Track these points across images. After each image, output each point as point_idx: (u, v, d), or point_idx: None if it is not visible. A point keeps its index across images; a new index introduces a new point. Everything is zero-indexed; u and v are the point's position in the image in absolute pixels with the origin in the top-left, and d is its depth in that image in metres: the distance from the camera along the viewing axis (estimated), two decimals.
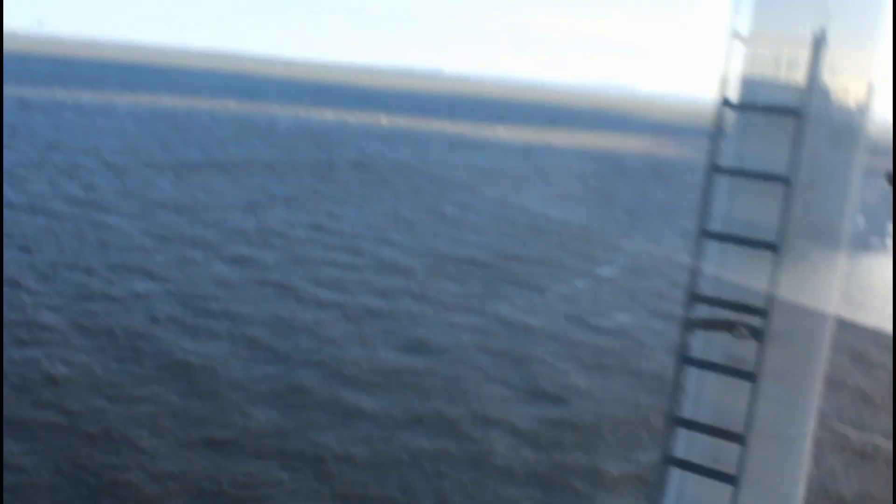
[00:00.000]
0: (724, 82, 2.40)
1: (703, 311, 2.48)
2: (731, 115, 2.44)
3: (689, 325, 2.48)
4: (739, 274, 2.45)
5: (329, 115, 64.20)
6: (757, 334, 2.36)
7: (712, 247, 2.51)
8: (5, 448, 8.73)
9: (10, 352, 11.24)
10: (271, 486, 8.55)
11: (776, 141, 2.36)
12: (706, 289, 2.49)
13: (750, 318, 2.38)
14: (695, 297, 2.46)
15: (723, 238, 2.43)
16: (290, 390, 10.94)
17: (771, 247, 2.32)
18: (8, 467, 8.38)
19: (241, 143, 38.40)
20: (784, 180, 2.30)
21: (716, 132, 2.43)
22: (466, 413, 10.76)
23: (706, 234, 2.45)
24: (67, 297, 13.66)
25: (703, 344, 2.49)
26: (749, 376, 2.35)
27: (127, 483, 8.31)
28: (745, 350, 2.39)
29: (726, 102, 2.42)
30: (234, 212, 22.13)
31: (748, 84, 2.40)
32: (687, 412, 2.45)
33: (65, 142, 32.90)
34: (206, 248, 17.85)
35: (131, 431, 9.36)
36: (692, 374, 2.50)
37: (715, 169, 2.43)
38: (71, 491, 8.10)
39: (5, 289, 13.78)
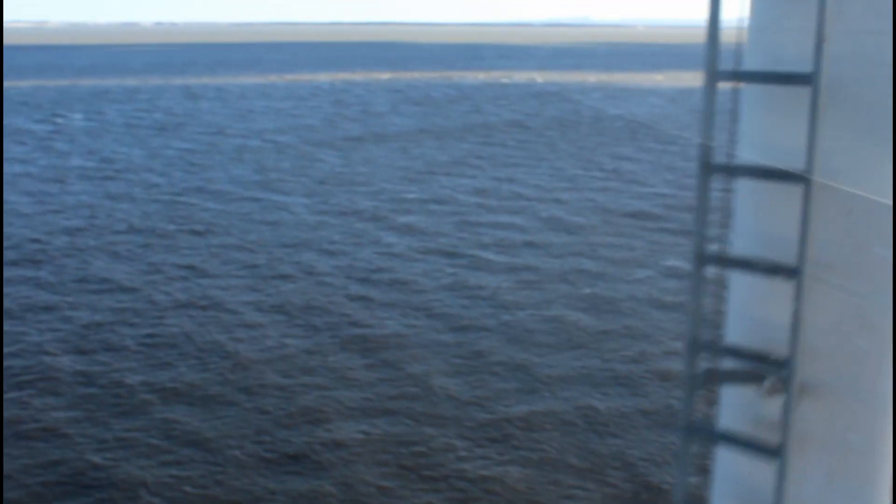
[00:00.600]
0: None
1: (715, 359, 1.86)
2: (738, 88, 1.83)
3: (698, 380, 1.85)
4: (754, 306, 1.89)
5: (481, 77, 63.95)
6: (784, 386, 1.81)
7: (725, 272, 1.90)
8: (193, 417, 8.94)
9: (195, 332, 11.59)
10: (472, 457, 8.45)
11: (788, 120, 1.79)
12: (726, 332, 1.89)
13: (773, 368, 1.82)
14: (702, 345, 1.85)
15: (727, 263, 1.84)
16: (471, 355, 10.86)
17: (790, 272, 1.77)
18: (193, 436, 8.60)
19: (398, 113, 38.68)
20: (801, 176, 1.73)
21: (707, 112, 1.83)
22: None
23: (703, 258, 1.88)
24: (241, 277, 14.00)
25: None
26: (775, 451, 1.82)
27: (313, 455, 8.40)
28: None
29: (720, 75, 1.80)
30: (399, 182, 22.21)
31: (754, 48, 1.82)
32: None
33: (231, 126, 33.96)
34: (374, 220, 17.99)
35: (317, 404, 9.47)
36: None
37: (709, 168, 1.87)
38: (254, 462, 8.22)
39: (184, 272, 14.27)
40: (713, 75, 1.80)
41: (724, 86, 1.82)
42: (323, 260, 14.97)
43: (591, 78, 64.02)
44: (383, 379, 10.13)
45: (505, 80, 60.08)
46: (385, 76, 63.50)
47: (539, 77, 63.93)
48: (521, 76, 64.89)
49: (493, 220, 17.98)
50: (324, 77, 62.68)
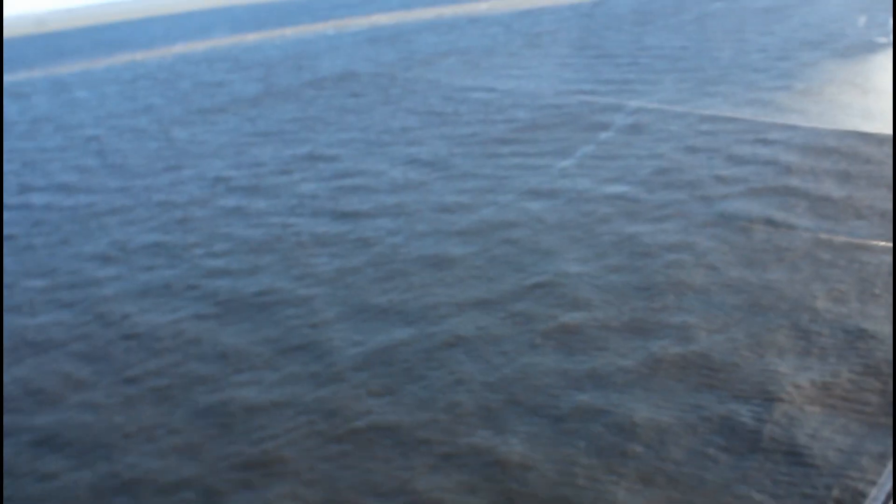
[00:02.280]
0: None
1: None
2: None
3: None
4: None
5: (288, 33, 62.24)
6: None
7: None
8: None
9: None
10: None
11: None
12: None
13: None
14: None
15: None
16: None
17: None
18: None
19: (221, 85, 36.99)
20: None
21: None
22: None
23: None
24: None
25: None
26: None
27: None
28: None
29: None
30: (214, 159, 21.08)
31: None
32: None
33: (62, 119, 31.89)
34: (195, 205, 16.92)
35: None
36: None
37: None
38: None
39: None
40: None
41: None
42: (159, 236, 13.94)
43: (428, 13, 63.42)
44: None
45: (330, 31, 58.58)
46: (205, 45, 61.02)
47: (374, 21, 62.69)
48: (359, 22, 63.57)
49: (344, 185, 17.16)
50: (138, 56, 59.72)
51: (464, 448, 7.87)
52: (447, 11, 64.92)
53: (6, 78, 56.76)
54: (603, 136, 18.88)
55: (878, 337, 9.01)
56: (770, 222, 12.55)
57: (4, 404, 9.70)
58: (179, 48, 60.86)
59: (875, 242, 11.31)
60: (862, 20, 34.43)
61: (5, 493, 7.97)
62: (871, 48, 27.71)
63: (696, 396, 8.28)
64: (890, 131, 16.26)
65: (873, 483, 6.67)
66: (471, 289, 11.33)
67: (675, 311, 10.11)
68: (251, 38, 62.82)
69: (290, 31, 63.20)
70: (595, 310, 10.31)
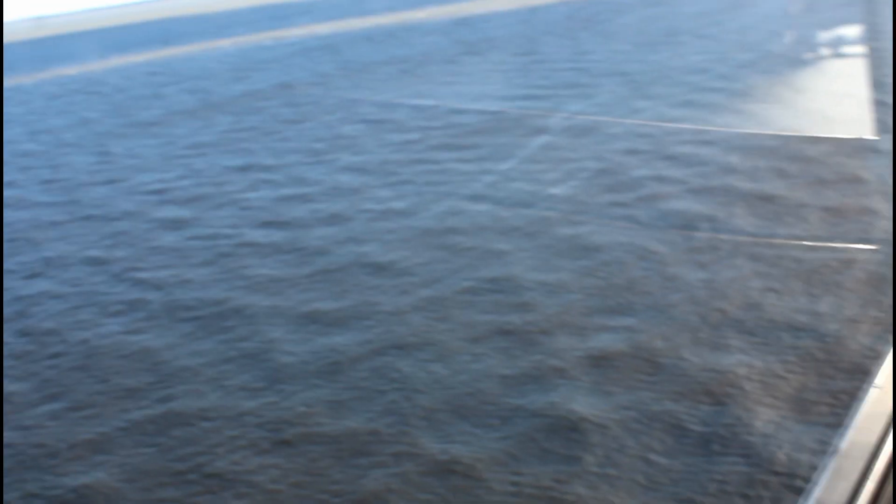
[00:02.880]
0: None
1: None
2: None
3: None
4: None
5: (226, 45, 61.54)
6: None
7: None
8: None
9: None
10: None
11: None
12: None
13: None
14: None
15: None
16: None
17: None
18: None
19: (157, 98, 36.34)
20: None
21: None
22: None
23: None
24: None
25: None
26: None
27: None
28: None
29: None
30: (150, 172, 20.64)
31: None
32: None
33: None
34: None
35: None
36: None
37: None
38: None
39: None
40: None
41: None
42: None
43: (365, 23, 63.26)
44: None
45: (267, 42, 58.07)
46: (142, 58, 60.05)
47: (311, 31, 62.30)
48: (296, 32, 63.12)
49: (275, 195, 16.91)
50: (72, 70, 58.51)
51: (408, 452, 7.73)
52: (385, 20, 64.87)
53: None
54: (543, 139, 18.87)
55: (813, 329, 9.06)
56: (710, 220, 12.60)
57: None
58: (115, 61, 59.90)
59: (812, 243, 11.42)
60: (794, 20, 34.96)
61: None
62: (805, 50, 28.19)
63: (637, 393, 8.23)
64: (823, 133, 16.45)
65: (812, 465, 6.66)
66: (410, 294, 11.18)
67: (618, 310, 10.07)
68: (188, 49, 62.10)
69: (227, 43, 62.58)
70: (535, 311, 10.22)
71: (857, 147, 15.48)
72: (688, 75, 25.10)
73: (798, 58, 26.08)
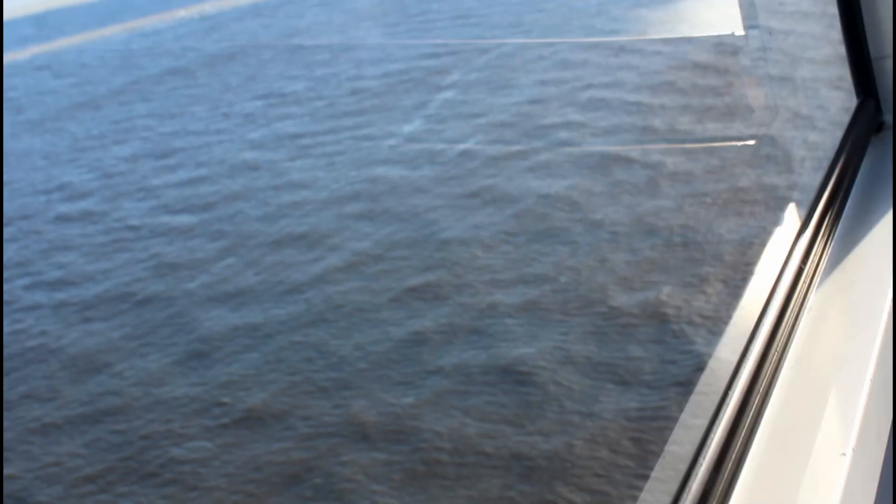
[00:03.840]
0: None
1: None
2: None
3: None
4: None
5: (108, 34, 59.92)
6: None
7: None
8: None
9: None
10: None
11: None
12: None
13: None
14: None
15: None
16: None
17: None
18: None
19: (47, 93, 35.16)
20: None
21: None
22: None
23: None
24: None
25: None
26: None
27: None
28: None
29: None
30: (49, 168, 20.02)
31: None
32: None
33: None
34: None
35: None
36: None
37: None
38: None
39: None
40: None
41: None
42: None
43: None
44: None
45: (148, 29, 56.57)
46: (26, 53, 57.93)
47: (200, 10, 60.84)
48: (177, 15, 61.57)
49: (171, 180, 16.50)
50: None
51: (345, 423, 7.66)
52: None
53: None
54: (447, 94, 18.84)
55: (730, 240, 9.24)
56: (626, 157, 12.73)
57: None
58: None
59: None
60: None
61: None
62: None
63: (573, 333, 8.29)
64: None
65: None
66: (327, 263, 11.06)
67: (543, 256, 10.11)
68: (70, 41, 60.18)
69: (108, 32, 60.84)
70: (458, 264, 10.21)
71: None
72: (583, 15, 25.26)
73: None
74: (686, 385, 6.84)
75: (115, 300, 11.28)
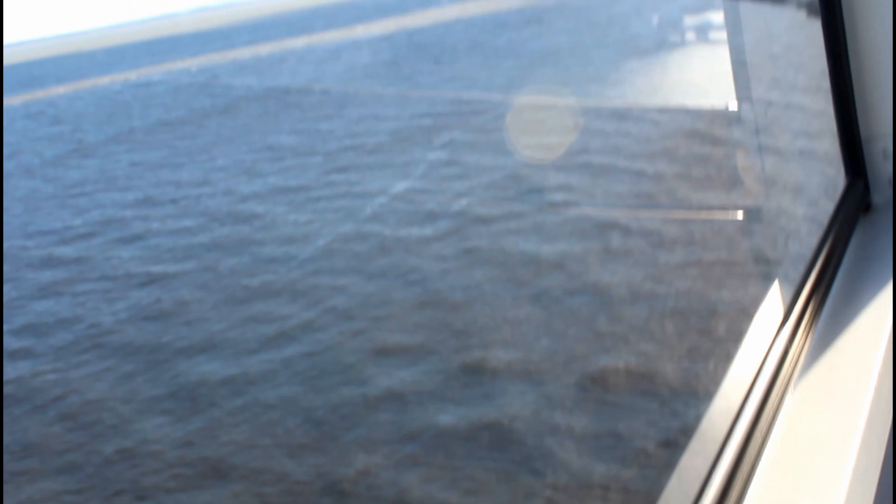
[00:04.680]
0: None
1: None
2: None
3: None
4: None
5: (126, 79, 60.34)
6: None
7: None
8: None
9: None
10: None
11: None
12: None
13: None
14: None
15: None
16: None
17: None
18: None
19: (38, 140, 35.18)
20: None
21: None
22: None
23: None
24: None
25: None
26: None
27: None
28: None
29: None
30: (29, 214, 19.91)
31: None
32: None
33: None
34: None
35: None
36: None
37: None
38: None
39: None
40: None
41: None
42: None
43: (245, 53, 62.52)
44: None
45: (134, 78, 56.91)
46: (18, 100, 58.16)
47: (189, 64, 61.31)
48: (173, 66, 62.04)
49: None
50: None
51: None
52: (263, 49, 64.37)
53: None
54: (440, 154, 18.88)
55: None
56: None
57: None
58: None
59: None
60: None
61: None
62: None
63: None
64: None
65: None
66: (301, 319, 10.94)
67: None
68: (66, 89, 60.46)
69: (105, 80, 61.19)
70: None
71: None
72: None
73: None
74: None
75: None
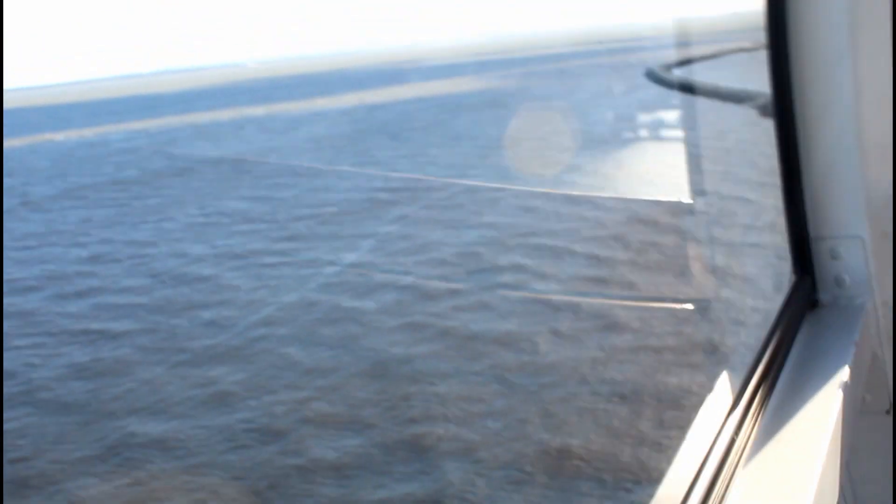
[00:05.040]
0: None
1: None
2: None
3: None
4: None
5: (73, 137, 59.97)
6: None
7: None
8: None
9: None
10: None
11: None
12: None
13: None
14: None
15: None
16: None
17: None
18: None
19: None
20: None
21: None
22: None
23: None
24: None
25: None
26: None
27: None
28: None
29: None
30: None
31: None
32: None
33: None
34: None
35: None
36: None
37: None
38: None
39: None
40: None
41: None
42: None
43: (204, 118, 62.64)
44: None
45: (92, 137, 56.62)
46: None
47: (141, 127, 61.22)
48: (130, 126, 61.89)
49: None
50: None
51: None
52: (224, 115, 64.52)
53: None
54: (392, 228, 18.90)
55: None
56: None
57: None
58: None
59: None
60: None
61: None
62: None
63: None
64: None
65: None
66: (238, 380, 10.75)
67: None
68: (18, 143, 59.89)
69: (59, 136, 60.77)
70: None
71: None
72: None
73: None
74: None
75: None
